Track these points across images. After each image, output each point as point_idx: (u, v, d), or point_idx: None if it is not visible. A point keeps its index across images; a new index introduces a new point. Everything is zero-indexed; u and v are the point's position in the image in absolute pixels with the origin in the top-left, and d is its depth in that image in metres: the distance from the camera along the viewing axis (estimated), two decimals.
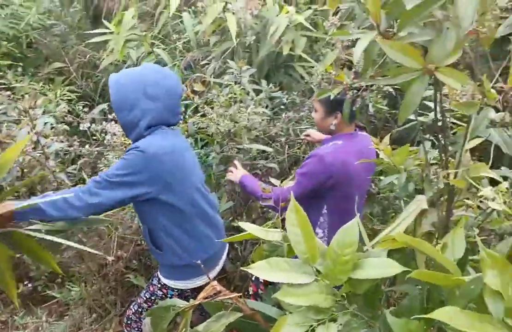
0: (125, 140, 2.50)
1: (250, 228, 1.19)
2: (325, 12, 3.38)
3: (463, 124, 1.47)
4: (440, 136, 1.18)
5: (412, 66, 0.87)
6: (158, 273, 1.86)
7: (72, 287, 2.52)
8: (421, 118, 1.85)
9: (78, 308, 2.49)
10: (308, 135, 2.45)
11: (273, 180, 1.98)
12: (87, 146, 2.60)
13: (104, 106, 3.24)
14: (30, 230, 1.46)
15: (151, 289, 1.88)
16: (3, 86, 3.20)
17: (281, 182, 1.97)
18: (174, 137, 1.71)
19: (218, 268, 1.91)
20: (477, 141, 1.23)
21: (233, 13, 3.00)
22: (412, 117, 1.53)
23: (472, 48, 1.03)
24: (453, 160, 1.25)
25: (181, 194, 1.68)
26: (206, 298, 1.16)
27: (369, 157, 1.82)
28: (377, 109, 2.69)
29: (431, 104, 2.00)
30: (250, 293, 2.19)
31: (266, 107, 2.87)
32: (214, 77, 3.06)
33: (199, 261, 1.42)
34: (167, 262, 1.78)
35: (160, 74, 1.68)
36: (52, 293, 2.58)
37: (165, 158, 1.61)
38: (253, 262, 1.13)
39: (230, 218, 2.63)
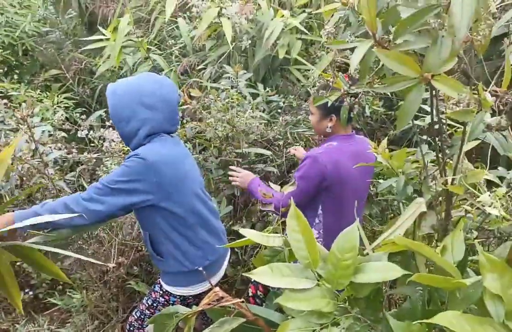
0: (123, 147, 2.51)
1: (251, 234, 1.20)
2: (320, 15, 3.41)
3: (459, 125, 1.49)
4: (437, 139, 1.19)
5: (409, 75, 0.89)
6: (160, 279, 1.87)
7: (74, 294, 2.53)
8: (417, 122, 1.87)
9: (80, 315, 2.49)
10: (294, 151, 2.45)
11: (273, 186, 2.00)
12: (85, 153, 2.61)
13: (101, 112, 3.25)
14: (32, 242, 1.46)
15: (153, 295, 1.88)
16: (0, 95, 3.20)
17: (281, 187, 1.99)
18: (173, 145, 1.72)
19: (220, 274, 1.92)
20: (473, 144, 1.25)
21: (228, 18, 3.01)
22: None
23: (467, 53, 1.04)
24: (451, 162, 1.27)
25: (182, 201, 1.69)
26: (209, 304, 1.17)
27: (366, 161, 1.85)
28: (374, 111, 2.71)
29: (427, 107, 2.03)
30: (249, 295, 2.21)
31: (263, 111, 2.89)
32: (210, 82, 3.07)
33: (200, 268, 1.43)
34: (168, 268, 1.79)
35: (157, 83, 1.69)
36: (53, 301, 2.59)
37: (165, 167, 1.62)
38: (253, 265, 1.14)
39: (230, 222, 2.64)
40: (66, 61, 4.30)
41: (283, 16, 3.10)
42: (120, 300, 2.56)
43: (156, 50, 3.60)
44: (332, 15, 1.14)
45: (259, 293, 2.18)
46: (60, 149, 2.39)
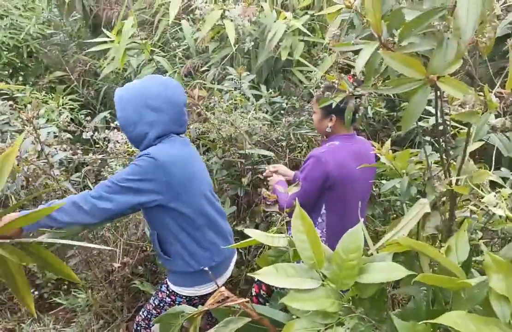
0: (127, 148, 2.52)
1: (256, 235, 1.21)
2: (322, 17, 3.42)
3: (463, 126, 1.50)
4: (441, 140, 1.20)
5: (414, 77, 0.90)
6: (167, 279, 1.88)
7: (79, 294, 2.54)
8: (421, 123, 1.87)
9: (85, 315, 2.50)
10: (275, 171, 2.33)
11: (278, 187, 2.01)
12: (90, 154, 2.62)
13: (106, 114, 3.27)
14: (38, 240, 1.47)
15: (160, 295, 1.89)
16: (5, 96, 3.22)
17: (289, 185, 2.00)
18: (182, 146, 1.74)
19: (226, 275, 1.92)
20: (478, 145, 1.26)
21: (231, 20, 3.03)
22: None
23: (470, 55, 1.05)
24: (454, 163, 1.28)
25: (190, 202, 1.70)
26: (215, 304, 1.18)
27: (368, 160, 1.86)
28: (376, 112, 2.72)
29: (430, 108, 2.04)
30: (253, 294, 2.22)
31: (266, 112, 2.90)
32: (214, 84, 3.09)
33: (206, 268, 1.44)
34: (175, 268, 1.80)
35: (162, 85, 1.70)
36: (58, 300, 2.60)
37: (174, 167, 1.63)
38: (257, 265, 1.15)
39: (234, 223, 2.65)
40: (71, 63, 4.33)
41: (285, 18, 3.12)
42: (125, 300, 2.57)
43: (159, 52, 3.62)
44: (336, 17, 1.15)
45: (262, 292, 2.19)
46: (65, 150, 2.40)
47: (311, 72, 3.18)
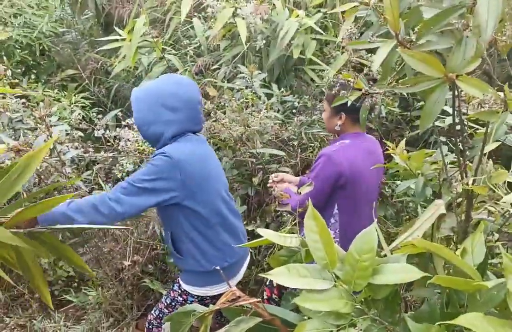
0: (138, 146, 2.52)
1: (267, 234, 1.20)
2: (335, 15, 3.39)
3: (480, 127, 1.47)
4: (458, 140, 1.18)
5: (433, 75, 0.88)
6: (179, 278, 1.88)
7: (89, 291, 2.55)
8: (437, 123, 1.85)
9: (95, 312, 2.52)
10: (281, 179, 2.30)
11: (291, 187, 2.00)
12: (101, 152, 2.63)
13: (117, 112, 3.28)
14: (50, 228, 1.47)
15: (172, 294, 1.89)
16: (18, 94, 3.25)
17: (298, 188, 1.99)
18: (198, 144, 1.74)
19: (239, 276, 1.92)
20: (495, 145, 1.23)
21: (243, 18, 3.02)
22: None
23: (489, 53, 1.03)
24: (470, 164, 1.25)
25: (205, 201, 1.70)
26: (226, 303, 1.17)
27: (379, 159, 1.85)
28: (389, 112, 2.69)
29: (446, 108, 2.01)
30: (265, 297, 2.20)
31: (278, 111, 2.89)
32: (225, 82, 3.08)
33: (217, 267, 1.44)
34: (187, 267, 1.80)
35: (177, 84, 1.70)
36: (69, 298, 2.62)
37: (191, 166, 1.64)
38: (268, 265, 1.14)
39: (244, 222, 2.64)
40: (82, 61, 4.36)
41: (298, 16, 3.10)
42: (135, 298, 2.58)
43: (171, 50, 3.62)
44: (353, 14, 1.13)
45: (274, 296, 2.18)
46: (77, 148, 2.42)
47: (323, 70, 3.16)
